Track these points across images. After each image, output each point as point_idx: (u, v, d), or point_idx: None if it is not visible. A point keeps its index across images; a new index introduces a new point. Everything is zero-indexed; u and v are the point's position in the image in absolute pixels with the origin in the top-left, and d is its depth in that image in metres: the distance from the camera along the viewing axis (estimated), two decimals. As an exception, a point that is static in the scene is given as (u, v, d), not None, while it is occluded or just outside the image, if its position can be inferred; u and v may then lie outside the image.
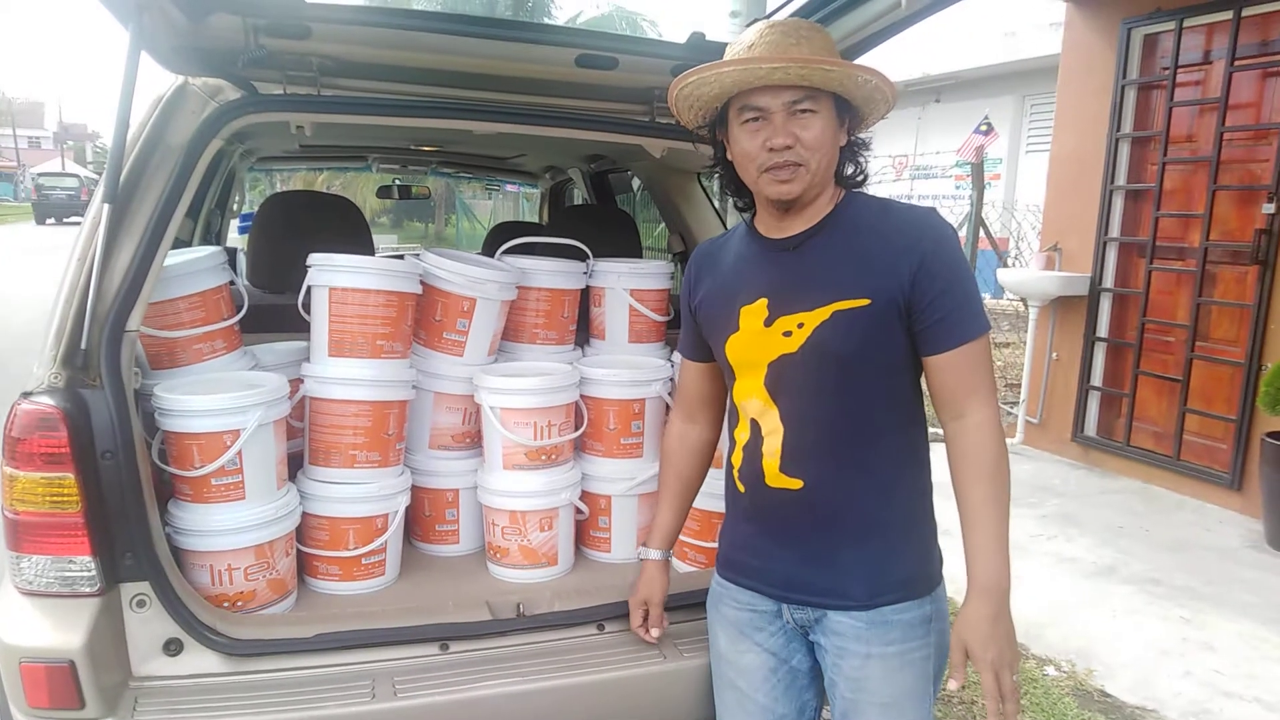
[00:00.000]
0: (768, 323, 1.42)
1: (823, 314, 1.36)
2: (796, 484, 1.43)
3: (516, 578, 2.21)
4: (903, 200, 1.43)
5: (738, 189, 1.51)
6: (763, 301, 1.43)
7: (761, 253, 1.47)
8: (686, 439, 1.75)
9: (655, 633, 1.78)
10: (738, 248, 1.54)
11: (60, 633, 1.56)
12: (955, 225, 6.52)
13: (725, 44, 2.02)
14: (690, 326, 1.64)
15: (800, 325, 1.38)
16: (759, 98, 1.33)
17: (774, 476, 1.45)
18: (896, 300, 1.33)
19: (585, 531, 2.39)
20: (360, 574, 2.10)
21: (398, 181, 4.95)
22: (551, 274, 2.47)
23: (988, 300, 8.00)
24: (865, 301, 1.33)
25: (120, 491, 1.61)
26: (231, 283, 2.22)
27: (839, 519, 1.44)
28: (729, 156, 1.45)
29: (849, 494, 1.43)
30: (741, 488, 1.52)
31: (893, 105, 1.39)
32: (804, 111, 1.33)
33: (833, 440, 1.42)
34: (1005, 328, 7.50)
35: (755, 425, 1.47)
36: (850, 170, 1.45)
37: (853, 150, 1.44)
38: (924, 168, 12.68)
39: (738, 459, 1.52)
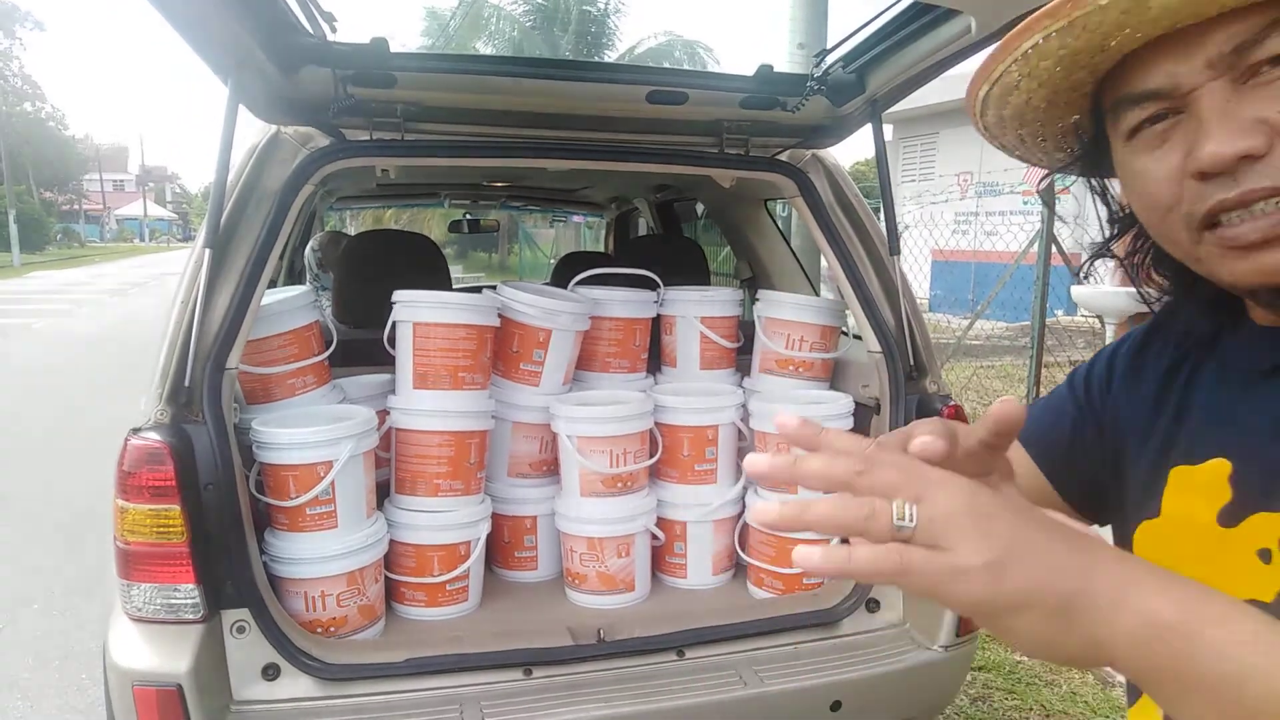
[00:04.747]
0: (1229, 519, 0.64)
1: None
2: None
3: (595, 604, 2.24)
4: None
5: (1163, 260, 0.69)
6: (1220, 467, 0.66)
7: (1245, 362, 0.68)
8: None
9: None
10: (1214, 337, 0.71)
11: (168, 657, 1.63)
12: (1025, 242, 6.38)
13: (796, 75, 2.07)
14: (1067, 420, 0.81)
15: None
16: (1149, 71, 0.58)
17: None
18: None
19: (661, 558, 2.40)
20: (445, 600, 2.15)
21: (467, 216, 5.08)
22: (623, 304, 2.51)
23: (1061, 317, 7.83)
24: None
25: (221, 522, 1.69)
26: (319, 320, 2.31)
27: None
28: (1123, 203, 0.70)
29: None
30: None
31: None
32: (1277, 61, 0.54)
33: None
34: (1081, 345, 7.33)
35: None
36: None
37: None
38: (990, 184, 12.48)
39: None
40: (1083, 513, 0.80)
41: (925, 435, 0.50)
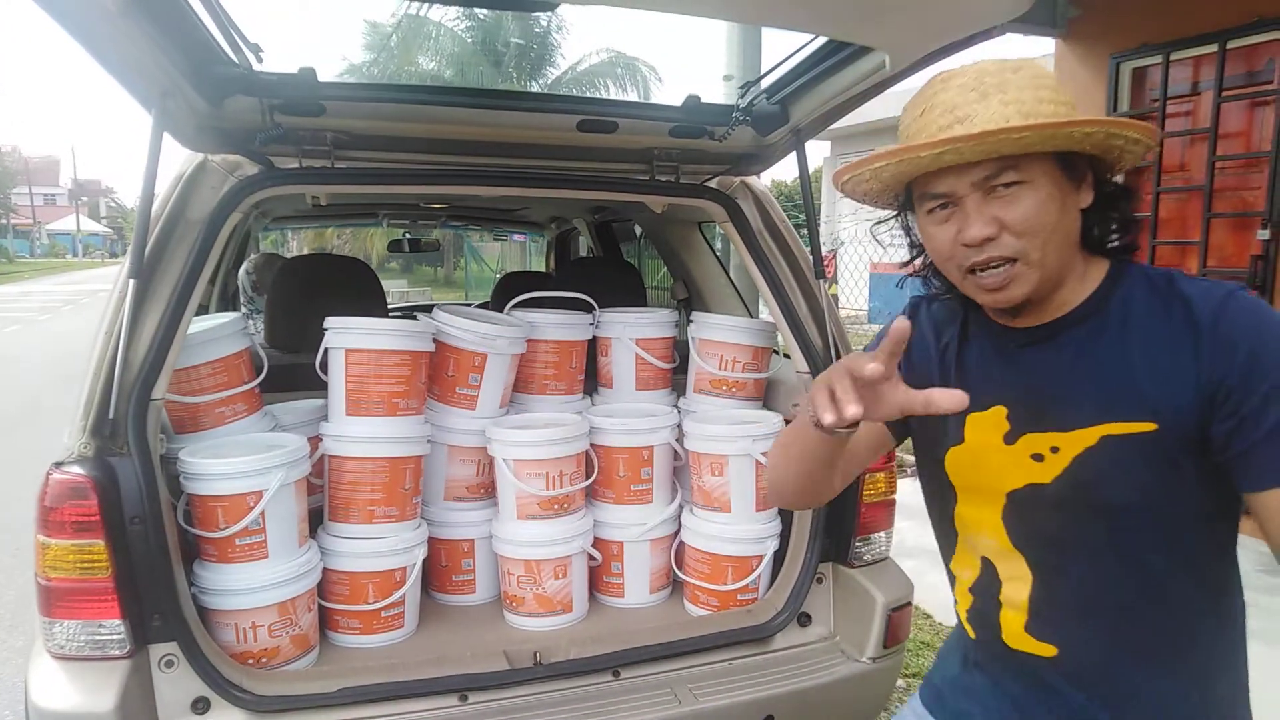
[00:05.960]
0: (1010, 439, 1.08)
1: (1086, 438, 1.00)
2: (1048, 651, 1.09)
3: (533, 626, 2.26)
4: (1188, 275, 1.03)
5: (937, 274, 1.15)
6: (999, 411, 1.09)
7: (995, 342, 1.12)
8: None
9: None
10: (963, 325, 1.17)
11: (92, 695, 1.60)
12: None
13: (722, 106, 2.13)
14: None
15: (1055, 450, 1.03)
16: (938, 182, 1.01)
17: (1017, 636, 1.11)
18: (1187, 424, 0.95)
19: (599, 578, 2.43)
20: (380, 627, 2.14)
21: (407, 236, 5.06)
22: (559, 326, 2.53)
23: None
24: (1148, 427, 0.96)
25: (148, 555, 1.67)
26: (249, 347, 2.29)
27: (1114, 707, 1.06)
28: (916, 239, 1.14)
29: (1128, 677, 1.05)
30: (971, 632, 1.20)
31: (1152, 145, 1.01)
32: (1008, 185, 0.98)
33: (1105, 604, 1.05)
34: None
35: (989, 566, 1.14)
36: (1099, 231, 1.06)
37: (1107, 205, 1.05)
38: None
39: (963, 599, 1.20)
40: (897, 437, 1.24)
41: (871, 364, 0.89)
